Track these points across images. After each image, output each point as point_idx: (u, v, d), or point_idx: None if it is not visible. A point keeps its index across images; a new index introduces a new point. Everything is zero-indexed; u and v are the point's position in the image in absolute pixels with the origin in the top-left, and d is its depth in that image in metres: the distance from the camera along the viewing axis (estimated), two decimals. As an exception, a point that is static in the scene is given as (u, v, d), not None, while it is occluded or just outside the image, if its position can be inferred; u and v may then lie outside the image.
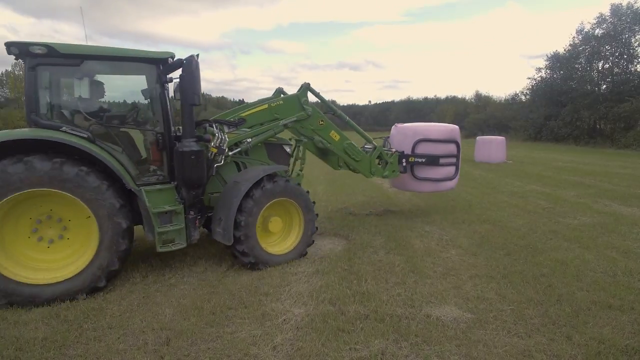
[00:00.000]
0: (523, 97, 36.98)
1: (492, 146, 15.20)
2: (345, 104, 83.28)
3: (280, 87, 5.53)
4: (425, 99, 62.20)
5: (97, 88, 4.22)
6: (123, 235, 3.88)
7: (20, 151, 3.56)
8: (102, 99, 4.37)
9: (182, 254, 4.85)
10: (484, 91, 58.44)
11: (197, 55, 4.08)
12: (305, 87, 5.28)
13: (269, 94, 5.51)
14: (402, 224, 6.23)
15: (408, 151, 6.12)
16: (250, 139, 4.85)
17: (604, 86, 28.66)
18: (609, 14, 27.16)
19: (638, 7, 25.45)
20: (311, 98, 5.35)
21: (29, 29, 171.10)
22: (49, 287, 3.62)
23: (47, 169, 3.55)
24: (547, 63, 31.56)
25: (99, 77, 4.22)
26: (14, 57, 3.77)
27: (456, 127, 6.57)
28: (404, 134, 6.34)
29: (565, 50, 30.47)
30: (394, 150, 6.16)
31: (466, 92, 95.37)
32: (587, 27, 28.91)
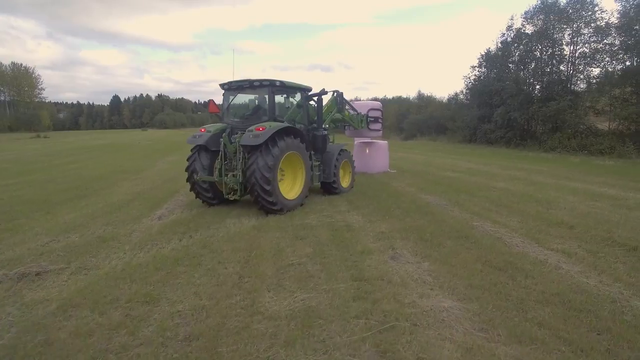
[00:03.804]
0: (463, 98, 35.28)
1: (372, 152, 12.55)
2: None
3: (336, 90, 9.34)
4: (375, 99, 60.00)
5: (290, 102, 8.26)
6: (310, 177, 7.74)
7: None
8: (289, 108, 8.14)
9: None
10: (426, 91, 56.90)
11: (324, 89, 8.20)
12: (339, 94, 9.17)
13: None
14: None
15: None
16: (327, 126, 9.26)
17: (538, 86, 27.10)
18: (538, 8, 25.50)
19: (561, 3, 23.83)
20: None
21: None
22: (290, 201, 7.15)
23: (297, 142, 7.23)
24: (480, 61, 29.82)
25: (292, 98, 8.30)
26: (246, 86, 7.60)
27: (380, 103, 12.82)
28: (361, 107, 11.57)
29: (497, 47, 28.76)
30: (362, 114, 11.18)
31: (410, 92, 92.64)
32: (518, 24, 27.24)
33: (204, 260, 4.80)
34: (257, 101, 8.20)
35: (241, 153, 7.02)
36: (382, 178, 11.29)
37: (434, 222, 6.17)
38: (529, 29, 26.32)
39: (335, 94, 9.19)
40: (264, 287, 3.92)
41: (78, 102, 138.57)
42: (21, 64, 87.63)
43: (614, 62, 22.08)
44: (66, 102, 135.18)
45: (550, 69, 25.89)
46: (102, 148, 27.44)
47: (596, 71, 23.38)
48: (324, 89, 8.29)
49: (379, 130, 12.21)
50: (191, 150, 7.69)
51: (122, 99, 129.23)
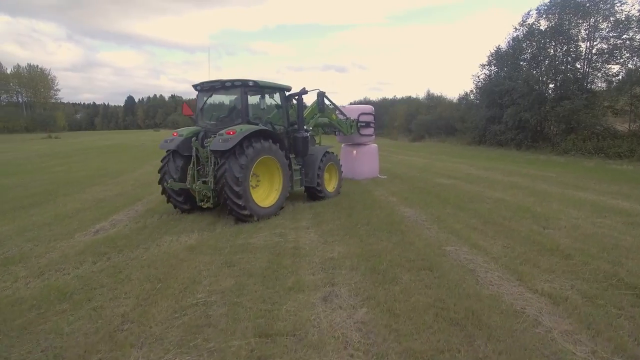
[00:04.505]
0: (474, 98, 33.60)
1: (359, 156, 11.50)
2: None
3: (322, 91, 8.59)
4: (384, 99, 58.61)
5: (265, 103, 7.54)
6: (289, 181, 7.21)
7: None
8: (265, 109, 7.55)
9: None
10: (438, 91, 55.03)
11: (304, 88, 7.85)
12: (320, 94, 8.48)
13: (250, 96, 7.17)
14: None
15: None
16: (311, 127, 8.64)
17: (551, 85, 25.42)
18: (554, 2, 23.83)
19: (578, -4, 22.13)
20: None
21: (3, 27, 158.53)
22: (266, 209, 6.69)
23: (273, 145, 6.74)
24: (489, 59, 28.28)
25: (267, 98, 7.71)
26: (220, 86, 7.07)
27: (372, 107, 12.05)
28: (352, 111, 11.06)
29: (508, 45, 27.16)
30: (352, 118, 10.63)
31: (421, 92, 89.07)
32: (531, 20, 25.57)
33: (99, 294, 3.89)
34: (232, 103, 7.74)
35: (212, 158, 6.62)
36: (368, 185, 10.23)
37: (400, 244, 5.11)
38: (543, 25, 24.73)
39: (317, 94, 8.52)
40: (139, 342, 2.97)
41: (94, 102, 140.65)
42: (37, 66, 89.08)
43: (634, 58, 20.37)
44: (84, 103, 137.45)
45: (565, 67, 24.18)
46: (103, 149, 27.26)
47: (615, 68, 21.70)
48: (304, 89, 7.80)
49: (371, 135, 11.60)
50: (162, 160, 7.34)
51: (137, 100, 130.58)
